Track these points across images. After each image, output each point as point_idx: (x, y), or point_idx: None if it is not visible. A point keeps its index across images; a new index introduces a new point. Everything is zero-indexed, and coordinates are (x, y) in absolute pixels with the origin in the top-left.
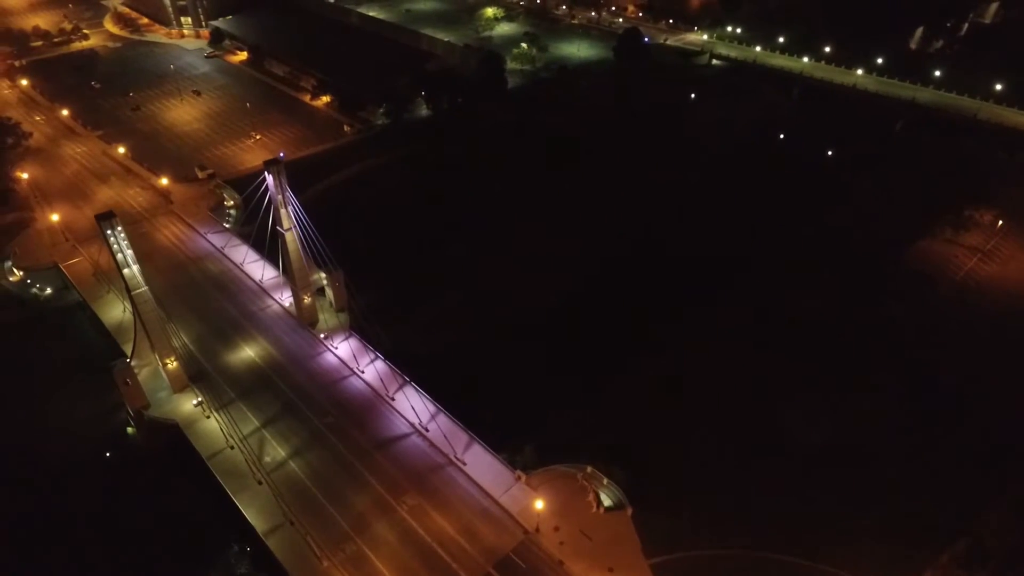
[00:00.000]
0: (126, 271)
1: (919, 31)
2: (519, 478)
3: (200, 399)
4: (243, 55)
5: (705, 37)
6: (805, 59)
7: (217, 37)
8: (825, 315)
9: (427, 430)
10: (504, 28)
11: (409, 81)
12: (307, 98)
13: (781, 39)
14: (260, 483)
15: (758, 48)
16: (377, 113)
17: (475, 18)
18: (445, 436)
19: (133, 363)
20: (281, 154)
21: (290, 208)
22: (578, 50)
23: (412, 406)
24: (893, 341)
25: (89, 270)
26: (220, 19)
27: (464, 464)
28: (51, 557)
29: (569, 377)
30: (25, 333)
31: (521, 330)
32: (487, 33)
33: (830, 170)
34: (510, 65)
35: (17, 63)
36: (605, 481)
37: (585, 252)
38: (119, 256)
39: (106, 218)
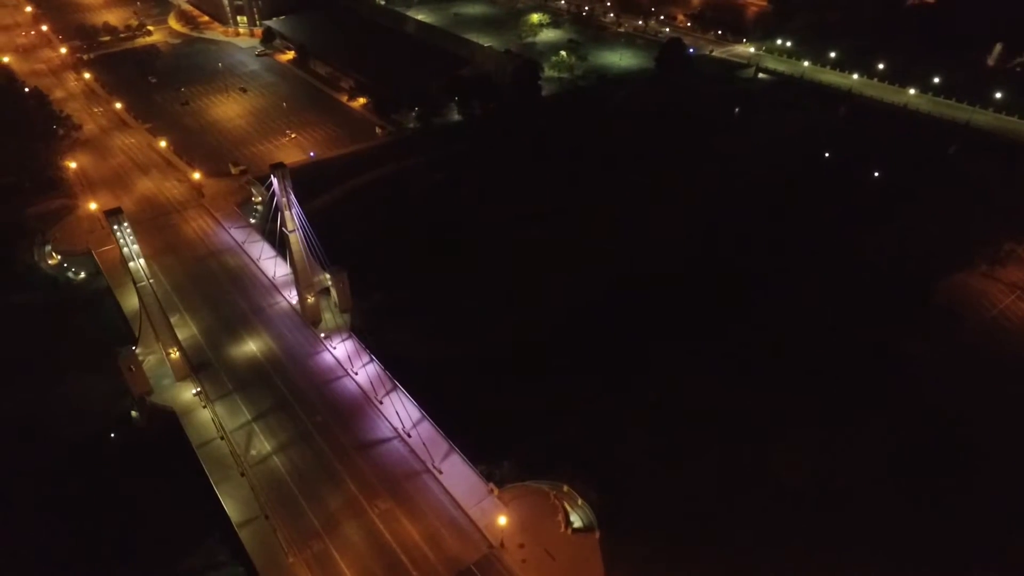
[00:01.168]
0: (131, 264)
1: (998, 47)
2: (492, 491)
3: (199, 389)
4: (291, 54)
5: (752, 50)
6: (855, 76)
7: (268, 36)
8: (839, 346)
9: (409, 436)
10: (548, 34)
11: (442, 85)
12: (345, 99)
13: (833, 54)
14: (243, 475)
15: (807, 63)
16: (409, 116)
17: (520, 23)
18: (425, 443)
19: (138, 350)
20: (312, 153)
21: (294, 210)
22: (620, 59)
23: (398, 411)
24: (907, 379)
25: (118, 258)
26: (274, 19)
27: (440, 473)
28: (38, 525)
29: (562, 393)
30: (56, 314)
31: (522, 345)
32: (530, 39)
33: (874, 192)
34: (547, 72)
35: (85, 56)
36: (580, 501)
37: (600, 266)
38: (125, 250)
39: (113, 214)
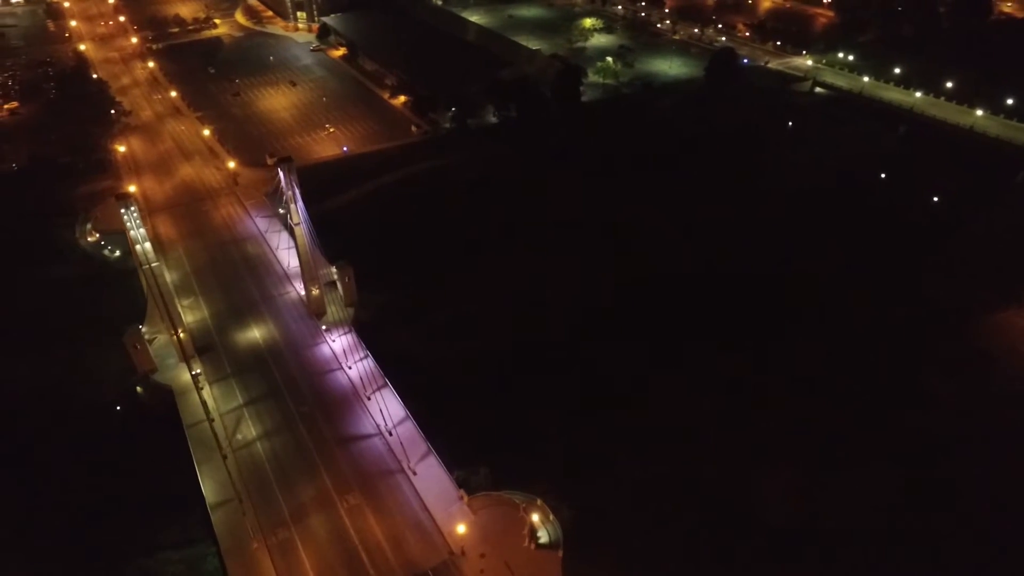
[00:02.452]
0: (137, 247)
1: None
2: (461, 498)
3: (199, 370)
4: (343, 50)
5: (810, 63)
6: (918, 94)
7: (324, 32)
8: (858, 375)
9: (391, 434)
10: (600, 39)
11: (481, 87)
12: (386, 96)
13: (897, 70)
14: (225, 458)
15: (867, 78)
16: (446, 116)
17: (571, 28)
18: (405, 443)
19: (145, 330)
20: (344, 148)
21: (299, 204)
22: (670, 67)
23: (384, 408)
24: (924, 419)
25: (151, 239)
26: (331, 16)
27: (415, 474)
28: (26, 488)
29: (556, 404)
30: (89, 288)
31: (524, 353)
32: (580, 44)
33: (928, 217)
34: (592, 78)
35: (154, 46)
36: (551, 517)
37: (617, 277)
38: (131, 233)
39: (122, 198)
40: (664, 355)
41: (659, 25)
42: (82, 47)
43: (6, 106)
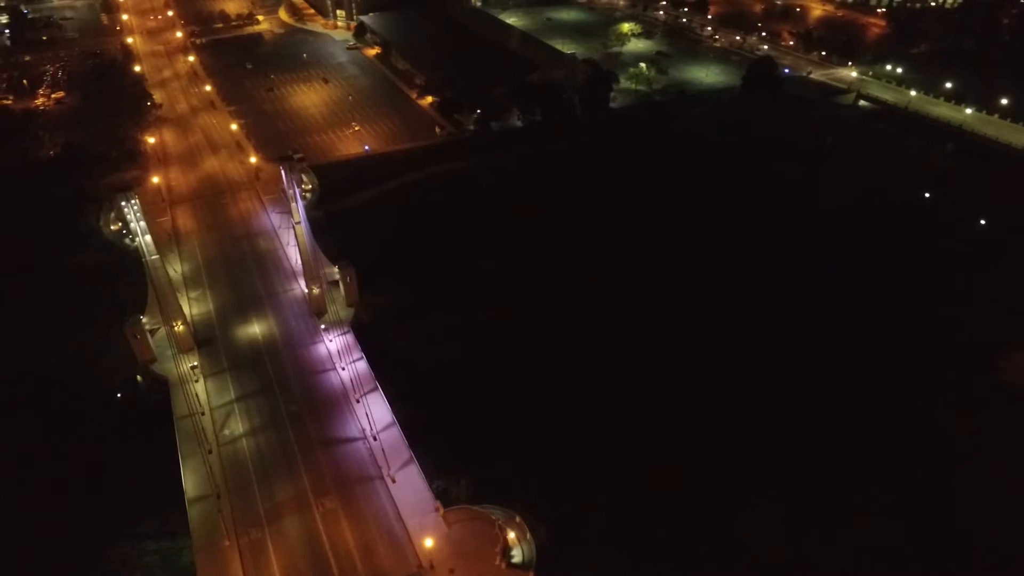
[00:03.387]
0: (138, 240)
1: None
2: (437, 509)
3: (195, 363)
4: (378, 49)
5: (855, 74)
6: (969, 110)
7: (361, 31)
8: (871, 407)
9: (375, 439)
10: (637, 45)
11: (507, 90)
12: (414, 95)
13: (948, 84)
14: (210, 452)
15: (915, 92)
16: (470, 118)
17: (608, 32)
18: (389, 449)
19: (146, 320)
20: (366, 147)
21: (300, 204)
22: (706, 75)
23: (372, 412)
24: (935, 458)
25: (166, 231)
26: (368, 14)
27: (394, 482)
28: (19, 466)
29: (551, 419)
30: (106, 276)
31: (522, 364)
32: (616, 48)
33: (972, 242)
34: (623, 84)
35: (198, 41)
36: (527, 536)
37: (626, 293)
38: (133, 225)
39: (122, 190)
40: (674, 375)
41: (700, 32)
42: (129, 40)
43: (53, 95)
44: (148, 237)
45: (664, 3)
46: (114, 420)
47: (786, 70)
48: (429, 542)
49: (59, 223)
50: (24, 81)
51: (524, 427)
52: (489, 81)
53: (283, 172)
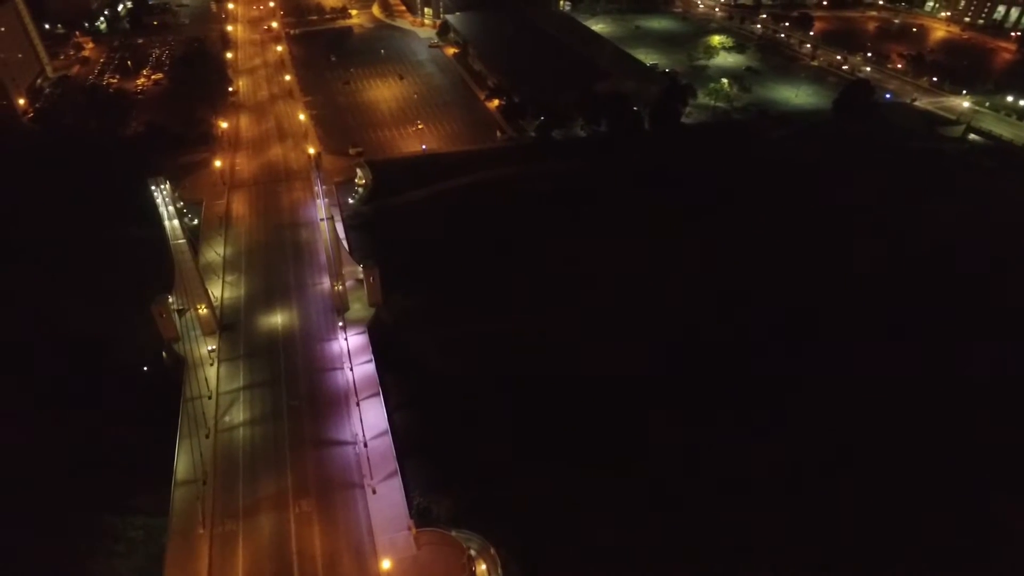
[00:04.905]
0: (166, 223)
1: None
2: (409, 528)
3: (214, 347)
4: (456, 48)
5: (967, 104)
6: None
7: (444, 29)
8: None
9: (366, 446)
10: (726, 59)
11: (573, 98)
12: (483, 97)
13: None
14: (207, 437)
15: None
16: (533, 125)
17: (696, 44)
18: (373, 458)
19: (172, 301)
20: (423, 146)
21: (326, 200)
22: (795, 96)
23: (369, 417)
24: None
25: (219, 213)
26: (455, 13)
27: (374, 493)
28: (34, 424)
29: (557, 448)
30: (160, 251)
31: (540, 381)
32: (702, 61)
33: None
34: (701, 99)
35: (292, 32)
36: (499, 570)
37: (670, 328)
38: (161, 210)
39: (153, 176)
40: (695, 417)
41: (798, 49)
42: (229, 28)
43: (153, 76)
44: (175, 222)
45: (764, 16)
46: (134, 393)
47: (887, 95)
48: (396, 562)
49: (129, 198)
50: (129, 62)
51: (525, 453)
52: (557, 88)
53: (314, 171)
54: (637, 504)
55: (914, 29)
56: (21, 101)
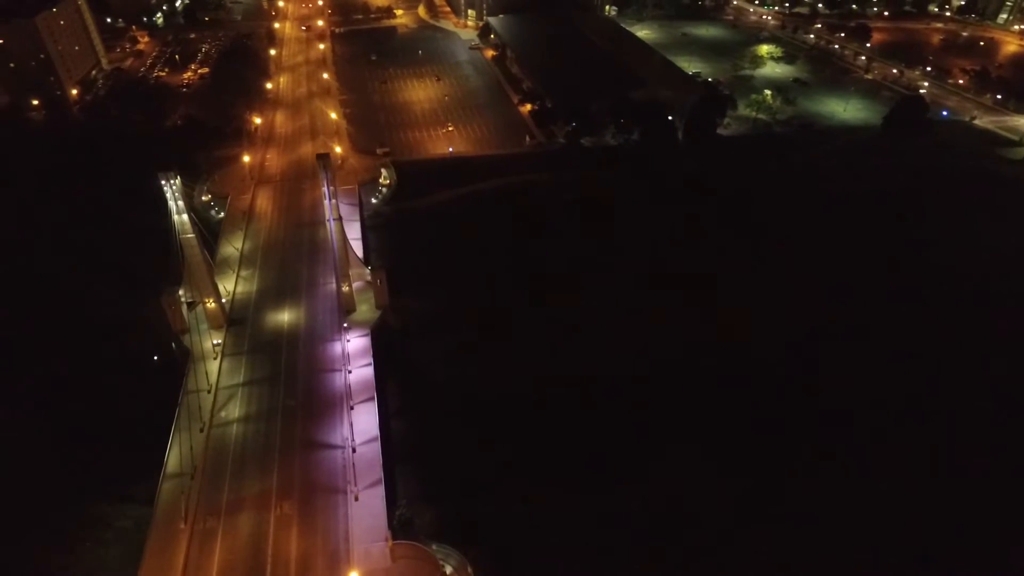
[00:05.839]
0: (175, 218)
1: None
2: (386, 539)
3: (219, 341)
4: (495, 51)
5: None
6: None
7: (485, 31)
8: None
9: (355, 451)
10: (774, 69)
11: (607, 105)
12: (516, 101)
13: None
14: (202, 431)
15: None
16: (563, 131)
17: (743, 53)
18: (360, 465)
19: (182, 293)
20: (450, 149)
21: (334, 201)
22: (844, 110)
23: (361, 421)
24: None
25: (243, 207)
26: (497, 16)
27: (356, 500)
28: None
29: (541, 470)
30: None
31: (542, 399)
32: (748, 71)
33: None
34: (742, 111)
35: (337, 30)
36: None
37: (679, 342)
38: (170, 204)
39: (165, 172)
40: (709, 451)
41: (852, 61)
42: (276, 25)
43: (200, 71)
44: (184, 216)
45: (819, 26)
46: (145, 380)
47: (944, 112)
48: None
49: (159, 190)
50: (176, 57)
51: (517, 471)
52: (591, 94)
53: (321, 171)
54: (624, 536)
55: (981, 43)
56: (74, 92)
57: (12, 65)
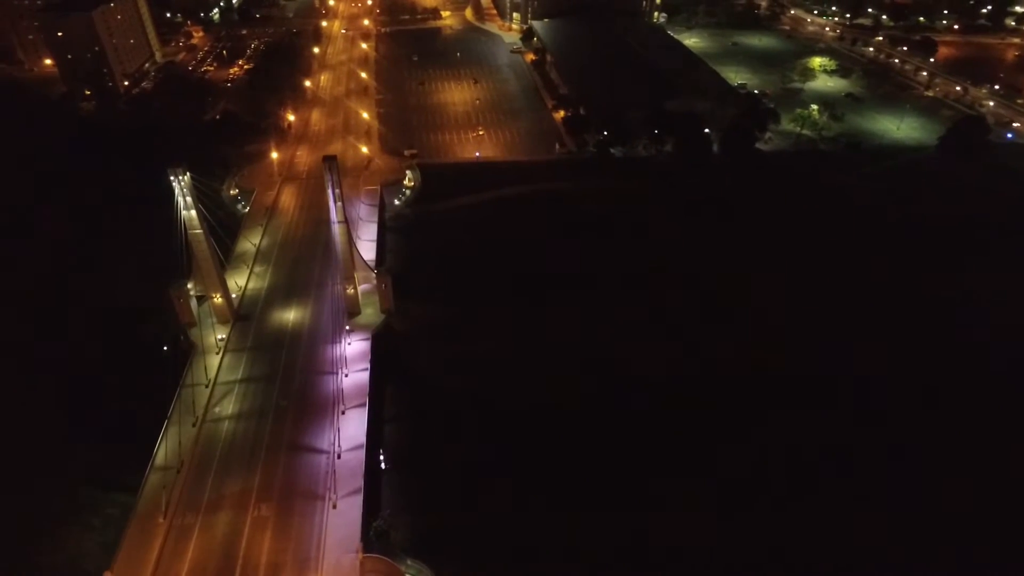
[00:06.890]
0: (183, 213)
1: None
2: (357, 551)
3: (223, 336)
4: (535, 55)
5: None
6: None
7: (528, 35)
8: None
9: (339, 457)
10: (826, 82)
11: (642, 114)
12: (551, 106)
13: None
14: (194, 425)
15: None
16: (595, 139)
17: (794, 65)
18: (342, 472)
19: (191, 287)
20: (477, 154)
21: (341, 204)
22: (897, 128)
23: (349, 427)
24: None
25: (267, 203)
26: (540, 20)
27: (335, 507)
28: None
29: (530, 486)
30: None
31: (540, 415)
32: (798, 84)
33: None
34: (786, 125)
35: (383, 29)
36: None
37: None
38: (179, 199)
39: (173, 167)
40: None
41: (913, 77)
42: (324, 24)
43: (246, 66)
44: (192, 212)
45: (880, 38)
46: (151, 370)
47: (1008, 134)
48: None
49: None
50: (224, 52)
51: (503, 488)
52: (625, 102)
53: (327, 172)
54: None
55: None
56: (126, 83)
57: (69, 56)
